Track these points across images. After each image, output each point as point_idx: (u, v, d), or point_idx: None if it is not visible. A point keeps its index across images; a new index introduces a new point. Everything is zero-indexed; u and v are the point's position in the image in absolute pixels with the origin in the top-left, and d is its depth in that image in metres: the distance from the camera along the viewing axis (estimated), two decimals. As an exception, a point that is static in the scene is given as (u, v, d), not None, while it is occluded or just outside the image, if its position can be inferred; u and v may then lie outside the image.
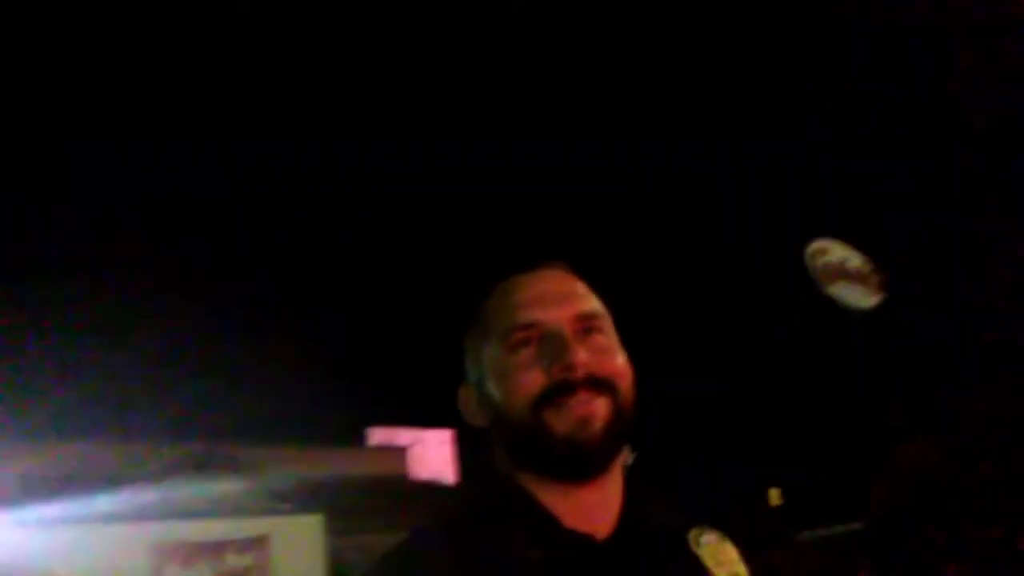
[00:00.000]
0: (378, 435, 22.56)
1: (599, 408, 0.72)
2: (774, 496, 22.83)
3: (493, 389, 0.77)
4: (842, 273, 7.36)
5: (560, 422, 0.71)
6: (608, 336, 0.79)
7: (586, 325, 0.77)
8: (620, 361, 0.77)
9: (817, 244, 7.26)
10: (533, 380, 0.74)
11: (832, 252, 7.35)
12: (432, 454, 24.20)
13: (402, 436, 22.98)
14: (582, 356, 0.73)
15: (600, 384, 0.73)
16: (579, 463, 0.72)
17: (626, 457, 0.77)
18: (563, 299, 0.78)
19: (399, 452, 21.23)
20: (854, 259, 7.44)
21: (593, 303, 0.80)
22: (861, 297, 7.55)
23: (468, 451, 24.91)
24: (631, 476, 0.77)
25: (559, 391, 0.72)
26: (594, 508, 0.73)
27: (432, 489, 19.74)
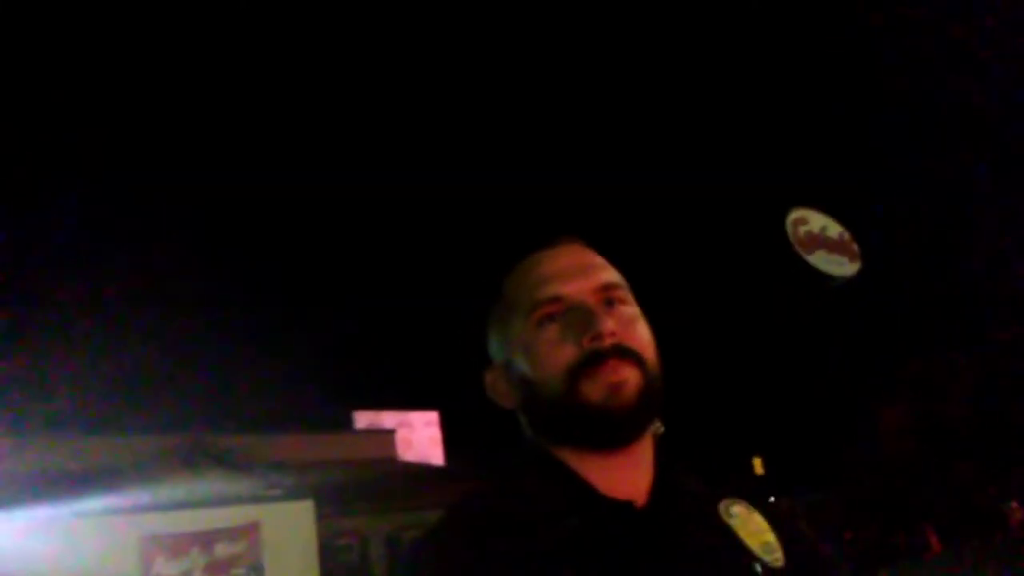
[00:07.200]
0: (364, 419, 22.59)
1: (630, 375, 0.73)
2: (758, 465, 23.15)
3: (523, 366, 0.78)
4: (822, 242, 7.40)
5: (593, 391, 0.73)
6: (631, 306, 0.80)
7: (609, 296, 0.79)
8: (645, 332, 0.79)
9: (797, 213, 7.29)
10: (564, 353, 0.75)
11: (811, 221, 7.39)
12: (419, 436, 24.28)
13: (388, 419, 23.04)
14: (609, 325, 0.74)
15: (628, 354, 0.75)
16: (613, 430, 0.73)
17: (657, 427, 0.80)
18: (584, 271, 0.80)
19: (386, 435, 21.27)
20: (833, 227, 7.49)
21: (613, 274, 0.82)
22: (840, 266, 7.60)
23: (455, 431, 25.00)
24: (661, 446, 0.80)
25: (590, 361, 0.74)
26: (629, 476, 0.76)
27: (420, 470, 19.84)
